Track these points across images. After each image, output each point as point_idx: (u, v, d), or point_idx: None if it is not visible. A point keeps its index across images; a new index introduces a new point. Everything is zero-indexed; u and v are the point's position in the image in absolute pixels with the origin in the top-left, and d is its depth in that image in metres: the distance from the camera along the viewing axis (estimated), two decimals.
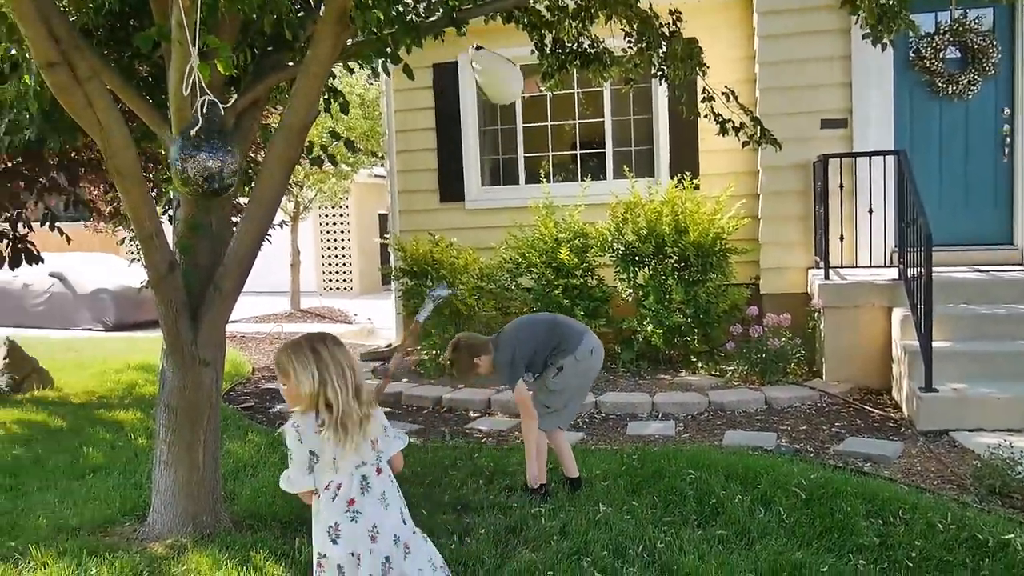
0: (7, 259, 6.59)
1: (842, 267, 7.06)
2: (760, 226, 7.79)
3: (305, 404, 2.55)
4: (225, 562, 3.59)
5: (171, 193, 3.94)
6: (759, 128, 5.53)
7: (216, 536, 3.88)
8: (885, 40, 4.73)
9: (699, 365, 7.24)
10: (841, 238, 6.99)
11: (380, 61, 3.46)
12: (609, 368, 7.46)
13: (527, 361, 4.32)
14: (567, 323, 4.53)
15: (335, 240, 19.01)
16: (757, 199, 7.87)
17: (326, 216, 18.89)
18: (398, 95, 9.35)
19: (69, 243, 7.10)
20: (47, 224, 6.57)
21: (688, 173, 7.75)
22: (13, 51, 3.79)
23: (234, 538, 3.85)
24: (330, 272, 19.11)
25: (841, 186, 7.01)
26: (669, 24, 5.30)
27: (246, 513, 4.21)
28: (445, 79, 9.06)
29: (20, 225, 6.72)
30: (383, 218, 19.09)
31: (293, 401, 2.60)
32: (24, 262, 6.64)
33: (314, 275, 18.72)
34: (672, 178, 7.92)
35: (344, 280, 18.98)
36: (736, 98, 5.33)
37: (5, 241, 6.65)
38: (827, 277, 6.79)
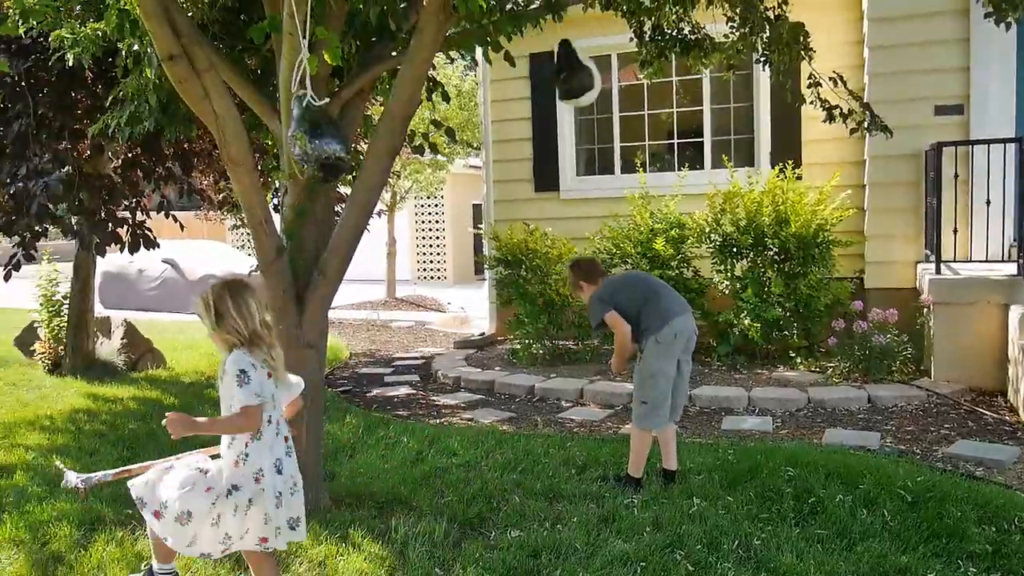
0: (126, 244, 6.97)
1: (955, 261, 6.72)
2: (866, 218, 7.50)
3: (237, 343, 2.77)
4: (325, 538, 3.71)
5: (278, 182, 4.08)
6: (869, 114, 5.32)
7: (316, 513, 4.01)
8: (1010, 19, 4.46)
9: (798, 361, 7.04)
10: (954, 231, 6.65)
11: (481, 50, 3.49)
12: (704, 362, 7.34)
13: (620, 310, 4.26)
14: (667, 298, 4.35)
15: (430, 230, 19.32)
16: (863, 190, 7.57)
17: (422, 206, 19.22)
18: (495, 85, 9.42)
19: (183, 230, 7.46)
20: (162, 212, 6.92)
21: (790, 162, 7.52)
22: (135, 46, 4.00)
23: (333, 516, 3.98)
24: (425, 261, 19.45)
25: (956, 176, 6.66)
26: (774, 8, 5.14)
27: (344, 492, 4.34)
28: (542, 68, 9.05)
29: (138, 212, 7.10)
30: (477, 208, 19.29)
31: (225, 342, 2.81)
32: (142, 247, 7.02)
33: (409, 264, 19.10)
34: (773, 168, 7.71)
35: (438, 269, 19.28)
36: (844, 83, 5.14)
37: (125, 227, 7.04)
38: (938, 271, 6.47)
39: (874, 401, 5.99)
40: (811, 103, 5.40)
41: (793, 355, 7.10)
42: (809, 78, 5.38)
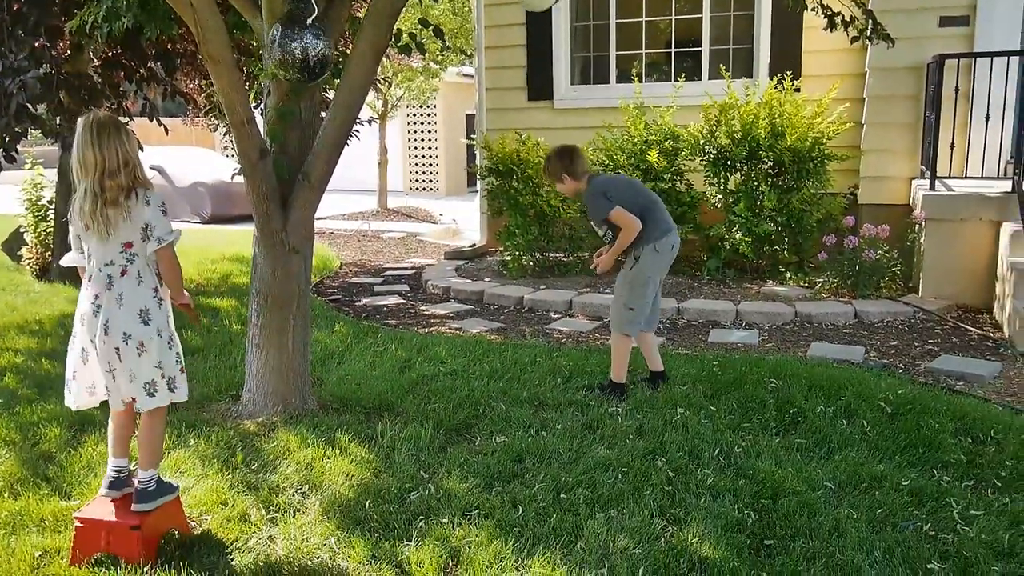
0: None
1: (950, 178, 6.66)
2: (863, 132, 7.38)
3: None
4: (312, 441, 3.76)
5: (262, 83, 3.96)
6: (871, 22, 5.17)
7: (304, 417, 4.07)
8: None
9: (788, 276, 7.05)
10: (952, 146, 6.56)
11: None
12: (694, 275, 7.35)
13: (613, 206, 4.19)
14: (661, 209, 4.34)
15: (422, 140, 19.04)
16: (862, 104, 7.43)
17: (414, 116, 18.89)
18: None
19: (167, 134, 7.31)
20: (147, 116, 6.76)
21: (789, 74, 7.35)
22: None
23: (320, 420, 4.03)
24: (417, 172, 19.24)
25: (956, 89, 6.53)
26: None
27: (332, 398, 4.38)
28: None
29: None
30: (470, 119, 18.97)
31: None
32: None
33: (401, 175, 18.89)
34: (772, 79, 7.54)
35: (430, 180, 19.08)
36: None
37: None
38: (933, 187, 6.41)
39: (860, 316, 6.03)
40: (812, 9, 5.24)
41: (783, 270, 7.10)
42: None
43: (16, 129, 5.64)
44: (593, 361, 4.98)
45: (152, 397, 2.85)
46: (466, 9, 14.11)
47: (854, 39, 5.29)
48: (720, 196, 7.32)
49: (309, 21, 2.99)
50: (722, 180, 7.27)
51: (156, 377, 2.85)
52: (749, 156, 6.98)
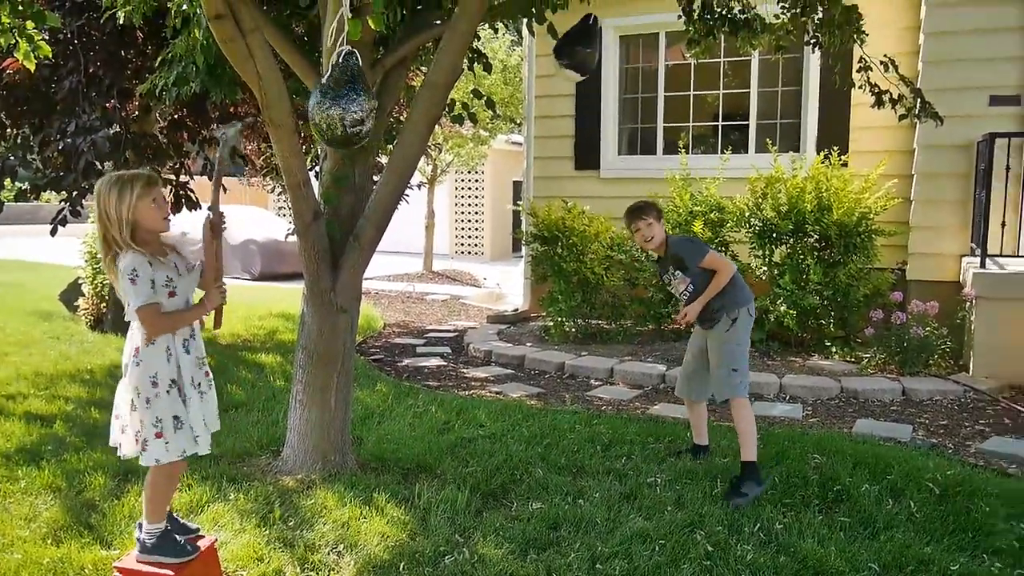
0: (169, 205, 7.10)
1: (1001, 256, 6.56)
2: (912, 208, 7.34)
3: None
4: (350, 500, 3.77)
5: (319, 147, 4.12)
6: (919, 100, 5.19)
7: (342, 475, 4.08)
8: None
9: (833, 350, 6.95)
10: (1002, 224, 6.48)
11: (525, 21, 3.47)
12: None
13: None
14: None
15: (469, 205, 19.35)
16: (910, 180, 7.41)
17: (462, 181, 19.25)
18: (540, 60, 9.36)
19: (225, 193, 7.55)
20: (206, 175, 7.02)
21: (836, 149, 7.38)
22: (184, 6, 4.04)
23: (359, 479, 4.04)
24: (462, 236, 19.50)
25: (1007, 168, 6.48)
26: None
27: (371, 457, 4.40)
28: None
29: (182, 174, 7.21)
30: (517, 185, 19.29)
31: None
32: (184, 208, 7.13)
33: (447, 238, 19.17)
34: (819, 153, 7.58)
35: (476, 244, 19.32)
36: (896, 69, 5.02)
37: (168, 188, 7.16)
38: (983, 265, 6.32)
39: (908, 393, 5.90)
40: (860, 87, 5.29)
41: (828, 344, 7.01)
42: (859, 61, 5.27)
43: (83, 185, 5.91)
44: (633, 429, 4.94)
45: (133, 448, 2.90)
46: (516, 79, 14.49)
47: (902, 117, 5.31)
48: (765, 268, 7.29)
49: (350, 83, 3.07)
50: (767, 252, 7.25)
51: (135, 432, 2.89)
52: (795, 229, 6.97)
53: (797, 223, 6.95)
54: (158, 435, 2.85)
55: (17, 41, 3.89)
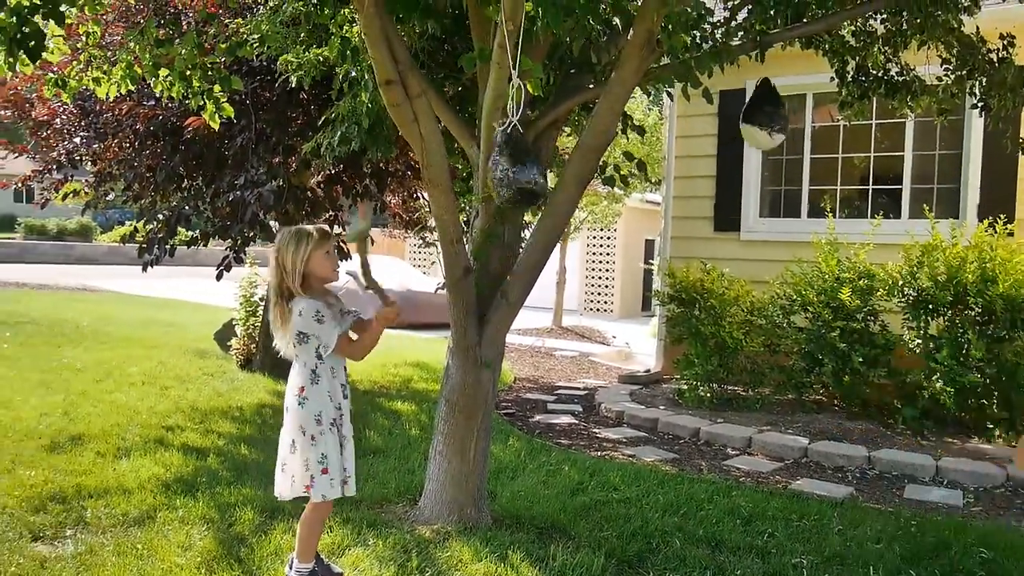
0: None
1: None
2: None
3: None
4: (485, 556, 3.76)
5: (469, 205, 4.25)
6: None
7: (477, 529, 4.09)
8: None
9: (996, 433, 6.43)
10: None
11: (680, 85, 3.49)
12: (886, 423, 6.87)
13: None
14: None
15: (600, 262, 19.35)
16: None
17: (594, 238, 19.32)
18: (681, 121, 9.35)
19: (372, 244, 7.88)
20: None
21: (1002, 217, 6.93)
22: (352, 72, 4.30)
23: (494, 534, 4.04)
24: (592, 293, 19.49)
25: None
26: (998, 49, 4.79)
27: (505, 513, 4.39)
28: (731, 106, 8.88)
29: (335, 226, 7.59)
30: (649, 244, 19.17)
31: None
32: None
33: (577, 294, 19.20)
34: (981, 221, 7.14)
35: (605, 302, 19.25)
36: None
37: None
38: None
39: None
40: None
41: (991, 426, 6.49)
42: None
43: (248, 234, 6.33)
44: (775, 505, 4.72)
45: (292, 488, 3.08)
46: (654, 139, 14.51)
47: None
48: (919, 341, 6.87)
49: (526, 151, 3.18)
50: (922, 324, 6.84)
51: (294, 472, 3.07)
52: (954, 301, 6.56)
53: (957, 294, 6.53)
54: (324, 471, 3.01)
55: (205, 103, 4.25)
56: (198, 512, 4.20)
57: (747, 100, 5.41)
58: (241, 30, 4.89)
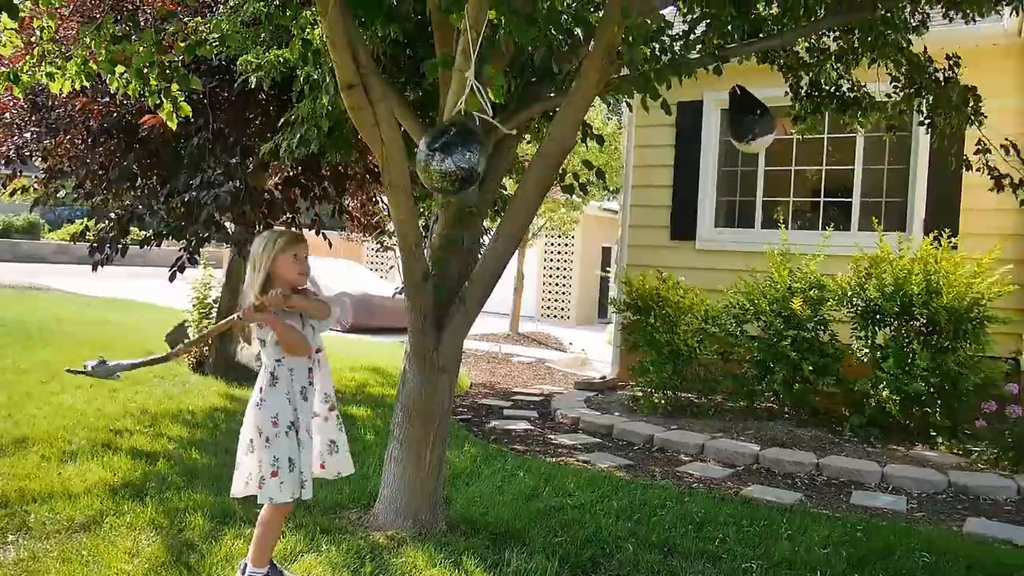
0: None
1: None
2: None
3: None
4: (439, 561, 3.76)
5: (430, 210, 4.25)
6: None
7: (432, 535, 4.08)
8: None
9: (939, 440, 6.61)
10: None
11: (639, 96, 3.55)
12: (834, 430, 7.02)
13: None
14: None
15: (558, 268, 19.45)
16: None
17: (552, 245, 19.41)
18: (639, 131, 9.47)
19: (331, 247, 7.84)
20: (315, 229, 7.30)
21: (946, 230, 7.14)
22: (313, 75, 4.28)
23: (448, 540, 4.03)
24: (549, 299, 19.57)
25: None
26: (944, 69, 4.95)
27: (460, 518, 4.39)
28: (688, 117, 9.04)
29: (293, 228, 7.52)
30: (606, 251, 19.32)
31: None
32: None
33: (534, 300, 19.26)
34: (927, 235, 7.35)
35: (562, 308, 19.34)
36: (1018, 152, 4.87)
37: None
38: None
39: None
40: (978, 170, 5.14)
41: (934, 434, 6.67)
42: (978, 144, 5.13)
43: (202, 235, 6.23)
44: (726, 511, 4.79)
45: (246, 487, 3.11)
46: (611, 148, 14.65)
47: (1023, 202, 5.12)
48: (867, 350, 7.05)
49: (461, 137, 3.18)
50: (870, 334, 7.02)
51: (248, 471, 3.10)
52: (901, 312, 6.74)
53: (903, 305, 6.72)
54: (274, 474, 2.98)
55: (162, 101, 4.18)
56: (146, 517, 4.12)
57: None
58: (200, 29, 4.83)
